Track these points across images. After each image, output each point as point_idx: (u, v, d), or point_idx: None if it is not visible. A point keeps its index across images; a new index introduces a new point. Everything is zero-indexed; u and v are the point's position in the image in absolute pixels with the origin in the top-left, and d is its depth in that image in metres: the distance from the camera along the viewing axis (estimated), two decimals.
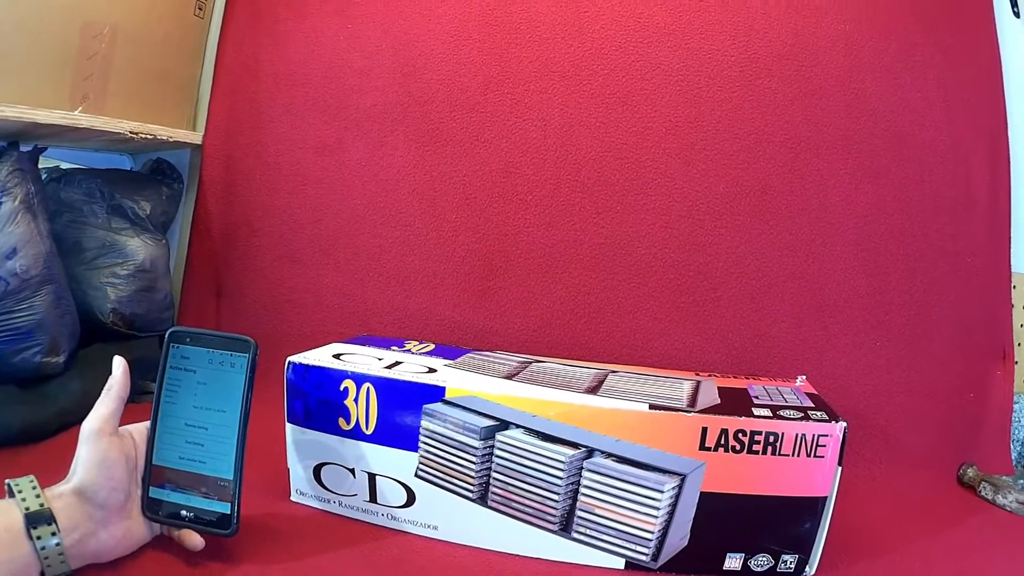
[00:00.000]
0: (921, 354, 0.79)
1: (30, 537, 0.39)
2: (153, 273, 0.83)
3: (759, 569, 0.53)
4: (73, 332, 0.77)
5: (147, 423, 0.48)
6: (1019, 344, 0.81)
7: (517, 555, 0.54)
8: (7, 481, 0.42)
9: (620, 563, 0.53)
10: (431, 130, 0.86)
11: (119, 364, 0.48)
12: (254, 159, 0.90)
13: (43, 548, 0.40)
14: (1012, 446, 0.77)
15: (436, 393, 0.53)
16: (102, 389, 0.47)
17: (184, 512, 0.47)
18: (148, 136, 0.81)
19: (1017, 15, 0.85)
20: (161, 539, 0.49)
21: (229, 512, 0.47)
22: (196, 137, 0.91)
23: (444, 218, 0.85)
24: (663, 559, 0.52)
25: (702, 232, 0.81)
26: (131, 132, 0.78)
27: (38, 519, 0.40)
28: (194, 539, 0.47)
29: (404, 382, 0.54)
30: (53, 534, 0.40)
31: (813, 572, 0.53)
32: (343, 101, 0.88)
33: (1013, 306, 0.80)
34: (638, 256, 0.82)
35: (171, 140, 0.85)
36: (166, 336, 0.48)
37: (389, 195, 0.87)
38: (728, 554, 0.52)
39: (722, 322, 0.81)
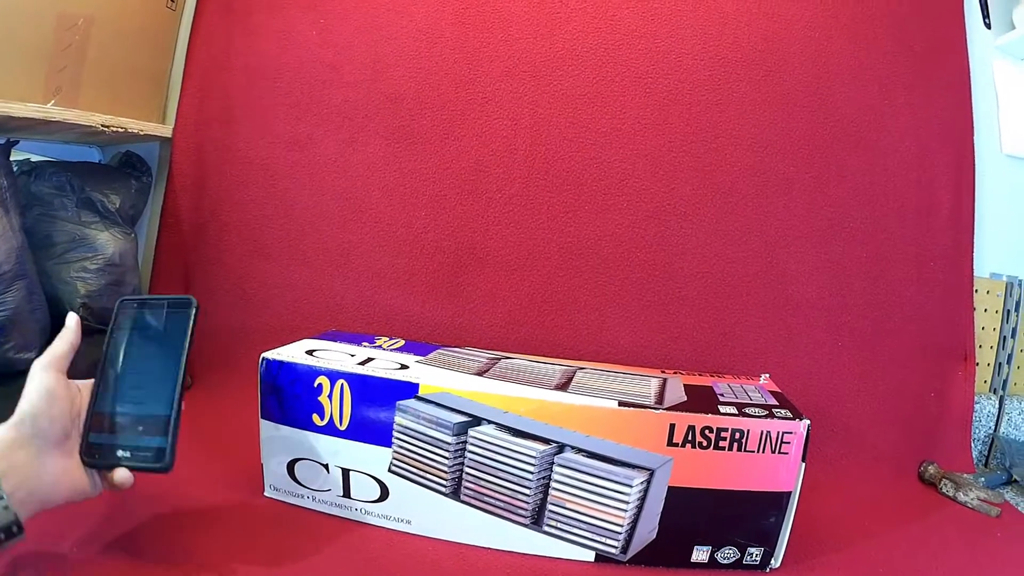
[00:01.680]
0: (883, 354, 0.81)
1: None
2: (122, 267, 0.82)
3: (725, 561, 0.54)
4: (44, 327, 0.76)
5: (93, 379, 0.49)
6: (980, 346, 0.84)
7: (489, 548, 0.55)
8: None
9: (590, 556, 0.54)
10: (402, 127, 0.86)
11: (72, 317, 0.49)
12: (224, 153, 0.89)
13: None
14: (973, 445, 0.80)
15: (410, 390, 0.53)
16: (74, 383, 0.47)
17: (120, 452, 0.46)
18: (119, 129, 0.79)
19: (988, 26, 0.87)
20: (128, 536, 0.49)
21: (164, 445, 0.46)
22: (166, 130, 0.89)
23: (414, 215, 0.85)
24: (632, 551, 0.54)
25: (668, 232, 0.82)
26: (102, 125, 0.77)
27: None
28: (122, 474, 0.46)
29: (378, 379, 0.54)
30: None
31: (778, 565, 0.55)
32: (314, 96, 0.87)
33: (975, 309, 0.83)
34: (605, 255, 0.83)
35: (141, 133, 0.84)
36: (116, 305, 0.51)
37: (359, 191, 0.86)
38: (696, 547, 0.54)
39: (687, 320, 0.82)
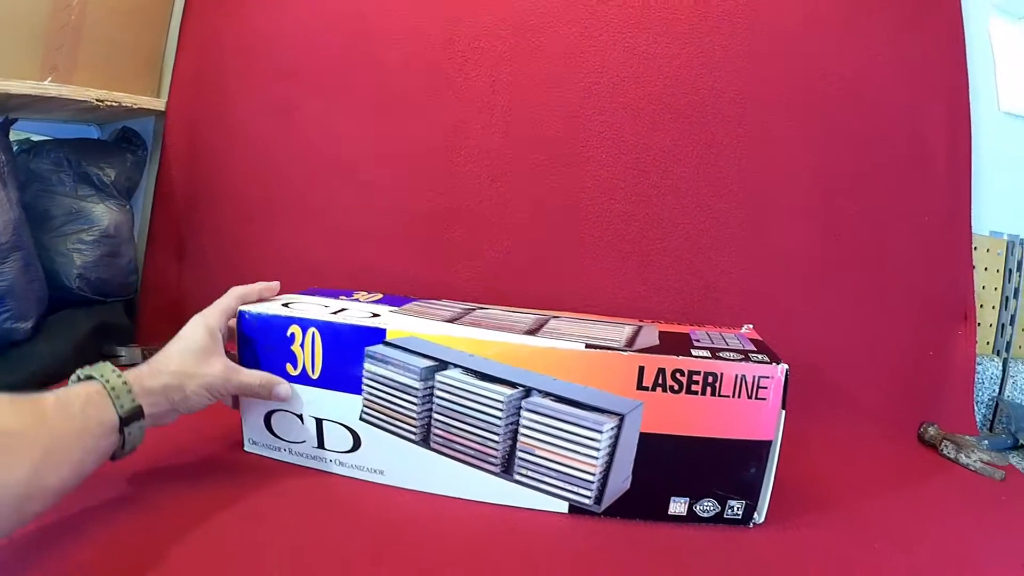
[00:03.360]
0: (877, 310, 0.78)
1: (122, 432, 0.45)
2: (117, 239, 0.85)
3: (705, 515, 0.53)
4: (41, 298, 0.78)
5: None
6: (982, 306, 0.80)
7: (462, 499, 0.54)
8: (97, 375, 0.45)
9: (564, 507, 0.53)
10: (383, 90, 0.87)
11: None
12: (215, 123, 0.91)
13: (130, 435, 0.45)
14: (976, 409, 0.76)
15: (377, 336, 0.53)
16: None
17: None
18: (114, 103, 0.81)
19: None
20: (109, 491, 0.50)
21: None
22: (160, 104, 0.91)
23: (395, 174, 0.86)
24: (606, 502, 0.52)
25: (649, 184, 0.81)
26: (97, 100, 0.79)
27: (131, 418, 0.45)
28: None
29: (347, 325, 0.54)
30: (141, 427, 0.46)
31: (762, 520, 0.53)
32: (301, 64, 0.89)
33: (975, 267, 0.80)
34: (585, 208, 0.82)
35: (136, 107, 0.86)
36: None
37: (342, 154, 0.87)
38: (672, 498, 0.52)
39: (669, 273, 0.81)
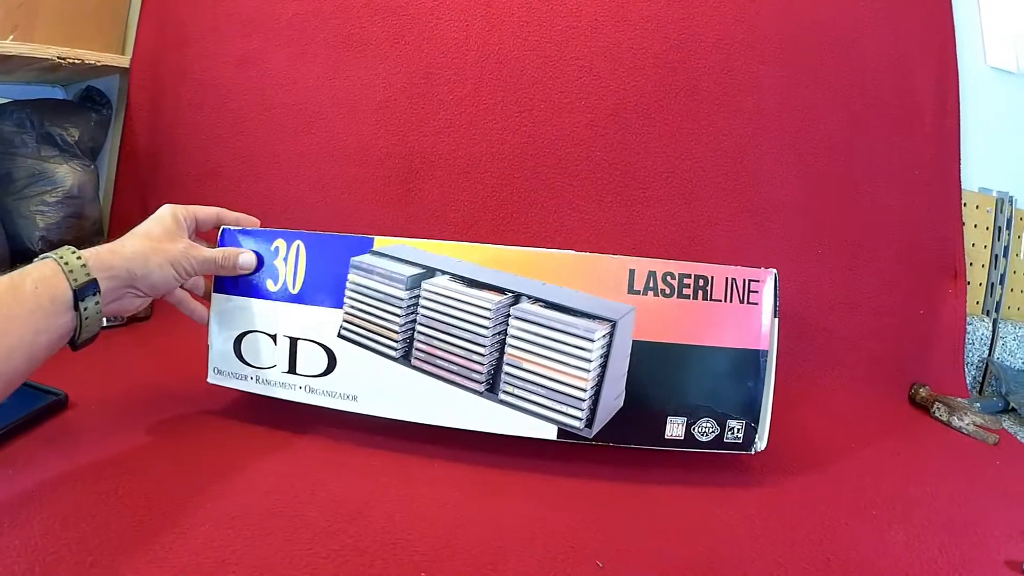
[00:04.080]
0: (864, 266, 0.76)
1: (76, 308, 0.42)
2: (81, 199, 0.82)
3: (704, 438, 0.50)
4: (3, 260, 0.75)
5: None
6: (971, 264, 0.79)
7: (442, 427, 0.50)
8: (53, 254, 0.43)
9: (552, 432, 0.49)
10: (351, 36, 0.85)
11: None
12: (179, 78, 0.89)
13: (86, 315, 0.42)
14: (967, 370, 0.74)
15: (365, 245, 0.52)
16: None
17: None
18: (76, 60, 0.79)
19: None
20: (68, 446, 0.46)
21: None
22: (124, 61, 0.89)
23: (364, 122, 0.84)
24: (598, 424, 0.49)
25: (630, 131, 0.79)
26: (59, 57, 0.78)
27: (85, 291, 0.42)
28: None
29: (334, 235, 0.53)
30: (98, 304, 0.43)
31: (763, 447, 0.50)
32: (264, 11, 0.87)
33: (964, 224, 0.78)
34: (563, 155, 0.80)
35: (99, 64, 0.84)
36: None
37: (309, 102, 0.85)
38: (669, 419, 0.49)
39: (652, 222, 0.79)
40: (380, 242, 0.52)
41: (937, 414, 0.67)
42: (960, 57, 0.81)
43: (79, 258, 0.43)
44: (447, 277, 0.51)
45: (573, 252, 0.50)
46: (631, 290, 0.49)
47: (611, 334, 0.48)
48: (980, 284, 0.84)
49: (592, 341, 0.48)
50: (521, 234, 0.80)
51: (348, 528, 0.40)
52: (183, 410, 0.55)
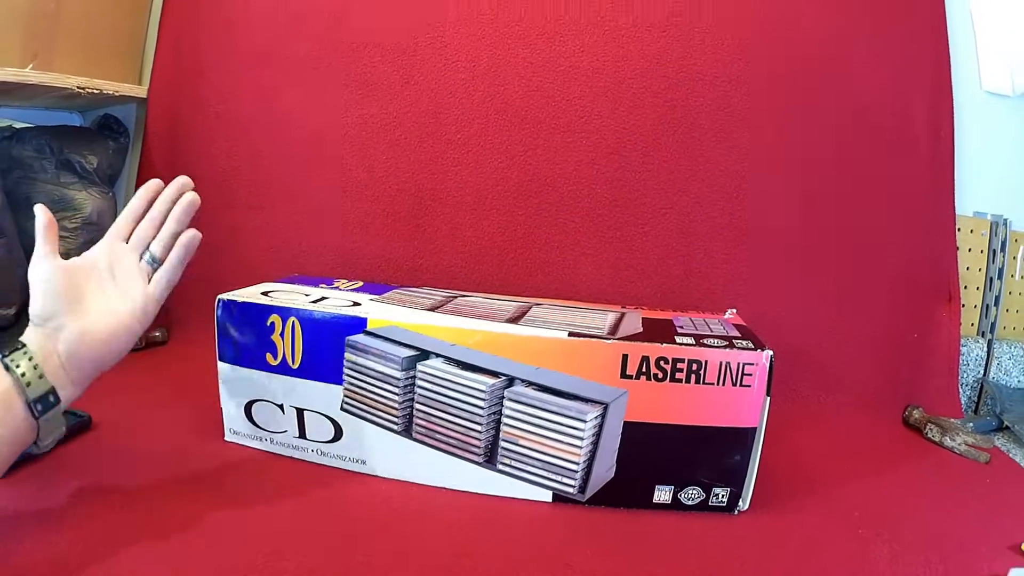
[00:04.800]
0: (861, 292, 0.78)
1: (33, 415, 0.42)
2: (99, 226, 0.83)
3: (690, 502, 0.52)
4: (24, 285, 0.76)
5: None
6: (966, 287, 0.79)
7: (445, 488, 0.54)
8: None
9: (548, 495, 0.52)
10: (362, 74, 0.86)
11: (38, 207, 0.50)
12: (195, 109, 0.90)
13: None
14: (961, 391, 0.76)
15: (358, 325, 0.52)
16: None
17: None
18: (95, 91, 0.80)
19: None
20: (91, 481, 0.49)
21: None
22: (141, 91, 0.90)
23: (375, 159, 0.85)
24: (591, 491, 0.52)
25: (629, 169, 0.81)
26: (78, 87, 0.78)
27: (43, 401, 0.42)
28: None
29: (327, 314, 0.53)
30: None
31: (746, 507, 0.53)
32: (280, 47, 0.88)
33: (959, 248, 0.79)
34: (565, 192, 0.82)
35: (117, 94, 0.85)
36: None
37: (322, 138, 0.87)
38: (657, 487, 0.52)
39: (651, 257, 0.81)
40: (373, 323, 0.52)
41: (930, 435, 0.68)
42: (955, 81, 0.80)
43: (36, 366, 0.42)
44: (441, 359, 0.51)
45: (566, 336, 0.50)
46: (623, 375, 0.49)
47: (603, 415, 0.50)
48: (975, 306, 0.84)
49: (584, 422, 0.50)
50: (524, 268, 0.83)
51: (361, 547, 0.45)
52: (202, 435, 0.59)
